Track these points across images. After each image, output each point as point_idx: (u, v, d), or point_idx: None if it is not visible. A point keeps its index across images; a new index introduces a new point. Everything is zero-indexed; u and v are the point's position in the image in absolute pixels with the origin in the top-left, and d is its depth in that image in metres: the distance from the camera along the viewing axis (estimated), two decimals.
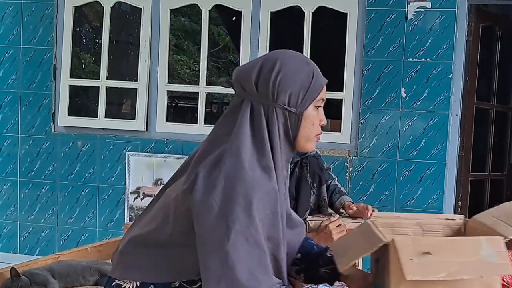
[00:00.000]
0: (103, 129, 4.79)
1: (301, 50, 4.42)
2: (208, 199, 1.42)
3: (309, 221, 2.51)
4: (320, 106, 1.61)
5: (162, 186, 1.67)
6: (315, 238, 2.45)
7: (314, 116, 1.59)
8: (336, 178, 2.81)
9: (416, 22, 4.21)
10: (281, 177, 1.56)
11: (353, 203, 2.67)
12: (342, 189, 2.77)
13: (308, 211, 2.66)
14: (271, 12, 4.49)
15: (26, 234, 4.92)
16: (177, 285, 1.52)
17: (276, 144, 1.53)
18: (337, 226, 2.46)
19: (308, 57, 4.66)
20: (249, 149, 1.48)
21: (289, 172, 2.46)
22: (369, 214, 2.54)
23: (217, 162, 1.48)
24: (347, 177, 4.33)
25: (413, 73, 4.22)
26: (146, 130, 4.71)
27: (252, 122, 1.52)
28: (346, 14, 4.35)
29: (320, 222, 2.49)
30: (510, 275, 2.34)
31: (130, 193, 4.68)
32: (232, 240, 1.39)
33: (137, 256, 1.58)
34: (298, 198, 2.65)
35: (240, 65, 1.64)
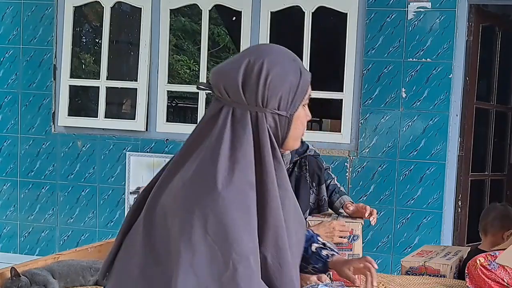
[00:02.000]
0: (103, 129, 4.79)
1: (301, 50, 4.42)
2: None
3: (309, 221, 2.51)
4: (305, 105, 1.51)
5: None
6: (315, 232, 2.44)
7: (303, 115, 1.49)
8: (336, 178, 2.81)
9: (416, 22, 4.22)
10: (281, 180, 1.44)
11: (352, 203, 2.67)
12: (342, 189, 2.77)
13: (307, 211, 2.66)
14: (271, 12, 4.49)
15: (26, 234, 4.92)
16: None
17: (268, 151, 1.40)
18: (341, 225, 2.46)
19: (308, 57, 4.69)
20: (225, 165, 1.34)
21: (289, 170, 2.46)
22: (366, 215, 2.54)
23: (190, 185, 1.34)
24: (347, 177, 4.33)
25: (413, 73, 4.22)
26: (146, 130, 4.71)
27: (233, 132, 1.38)
28: (346, 14, 4.35)
29: (321, 221, 2.48)
30: (510, 275, 2.34)
31: (130, 193, 4.68)
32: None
33: None
34: (298, 198, 2.64)
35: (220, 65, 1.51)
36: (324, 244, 1.95)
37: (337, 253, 1.95)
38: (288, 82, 1.43)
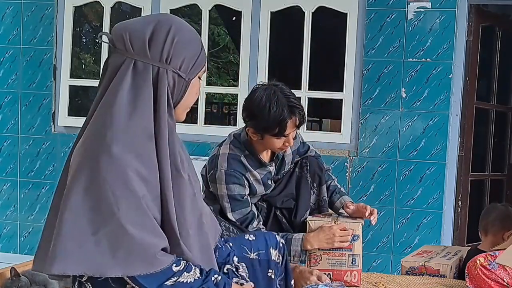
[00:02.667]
0: None
1: (301, 50, 4.42)
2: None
3: (309, 222, 2.51)
4: (201, 79, 1.64)
5: None
6: (315, 238, 2.44)
7: (198, 86, 1.62)
8: (336, 179, 2.81)
9: (416, 22, 4.21)
10: (171, 140, 1.53)
11: (353, 203, 2.67)
12: (342, 189, 2.77)
13: (308, 211, 2.66)
14: (271, 12, 4.49)
15: (26, 234, 4.92)
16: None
17: (164, 107, 1.50)
18: (341, 230, 2.45)
19: (308, 57, 4.70)
20: (126, 113, 1.46)
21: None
22: (367, 214, 2.54)
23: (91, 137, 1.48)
24: (347, 177, 4.33)
25: (413, 73, 4.22)
26: None
27: (134, 82, 1.48)
28: (346, 14, 4.35)
29: (322, 223, 2.48)
30: (510, 275, 2.34)
31: None
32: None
33: None
34: (299, 198, 2.65)
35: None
36: (236, 269, 1.85)
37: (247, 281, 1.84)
38: (192, 49, 1.55)
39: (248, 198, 2.48)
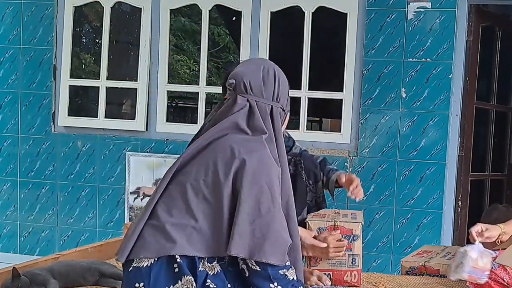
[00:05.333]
0: (103, 129, 4.79)
1: (301, 50, 4.43)
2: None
3: (309, 222, 2.50)
4: None
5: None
6: (310, 250, 2.39)
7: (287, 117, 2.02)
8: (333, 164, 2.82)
9: (416, 22, 4.22)
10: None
11: (346, 174, 2.67)
12: (334, 167, 2.77)
13: (305, 209, 2.65)
14: (271, 12, 4.49)
15: (26, 234, 4.92)
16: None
17: (281, 136, 1.87)
18: (336, 241, 2.41)
19: (308, 57, 4.70)
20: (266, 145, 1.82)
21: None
22: (351, 188, 2.55)
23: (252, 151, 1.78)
24: None
25: (413, 73, 4.22)
26: (146, 130, 4.71)
27: (252, 118, 1.83)
28: (346, 14, 4.35)
29: (322, 224, 2.46)
30: (509, 275, 2.34)
31: (130, 193, 4.68)
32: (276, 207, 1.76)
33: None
34: (295, 197, 2.63)
35: (236, 68, 1.94)
36: None
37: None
38: (287, 87, 1.94)
39: None
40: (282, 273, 1.75)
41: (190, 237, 1.72)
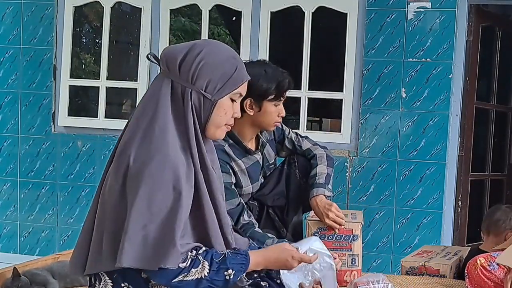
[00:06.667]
0: (103, 129, 4.79)
1: (301, 50, 4.42)
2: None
3: (309, 222, 2.50)
4: (235, 101, 1.75)
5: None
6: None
7: (229, 106, 1.73)
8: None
9: (416, 22, 4.21)
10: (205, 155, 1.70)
11: (327, 196, 2.51)
12: (321, 170, 2.63)
13: (301, 208, 2.65)
14: (271, 12, 4.49)
15: (26, 234, 4.92)
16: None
17: (191, 123, 1.67)
18: (337, 214, 2.41)
19: (308, 57, 4.69)
20: (172, 131, 1.65)
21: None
22: (327, 221, 2.43)
23: (145, 141, 1.69)
24: (347, 177, 4.33)
25: (413, 73, 4.22)
26: None
27: (173, 103, 1.67)
28: (346, 14, 4.35)
29: (322, 224, 2.44)
30: (503, 270, 2.33)
31: None
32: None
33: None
34: (289, 196, 2.64)
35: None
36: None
37: None
38: (220, 70, 1.69)
39: (235, 189, 2.46)
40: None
41: None
